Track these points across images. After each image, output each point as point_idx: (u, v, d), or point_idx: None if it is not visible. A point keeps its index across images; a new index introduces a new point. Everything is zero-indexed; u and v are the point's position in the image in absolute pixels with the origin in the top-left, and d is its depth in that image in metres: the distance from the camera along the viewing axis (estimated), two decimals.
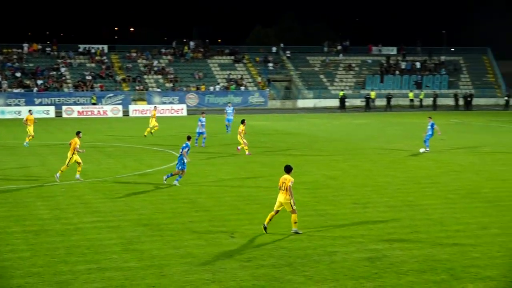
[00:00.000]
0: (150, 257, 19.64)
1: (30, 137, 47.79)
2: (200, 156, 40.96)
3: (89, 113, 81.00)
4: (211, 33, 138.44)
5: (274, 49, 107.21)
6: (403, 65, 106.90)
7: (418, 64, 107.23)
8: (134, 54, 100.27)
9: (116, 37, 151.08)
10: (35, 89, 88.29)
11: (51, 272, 18.24)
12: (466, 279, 17.73)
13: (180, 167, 31.02)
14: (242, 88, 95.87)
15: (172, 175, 31.41)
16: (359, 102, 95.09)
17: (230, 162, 39.03)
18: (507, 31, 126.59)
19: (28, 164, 38.31)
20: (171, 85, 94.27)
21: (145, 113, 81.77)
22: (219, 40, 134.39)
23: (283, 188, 22.15)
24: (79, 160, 32.39)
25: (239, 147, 42.30)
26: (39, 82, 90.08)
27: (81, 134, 32.85)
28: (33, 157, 41.54)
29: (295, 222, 22.18)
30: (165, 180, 31.27)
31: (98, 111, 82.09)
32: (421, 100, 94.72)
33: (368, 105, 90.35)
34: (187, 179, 32.78)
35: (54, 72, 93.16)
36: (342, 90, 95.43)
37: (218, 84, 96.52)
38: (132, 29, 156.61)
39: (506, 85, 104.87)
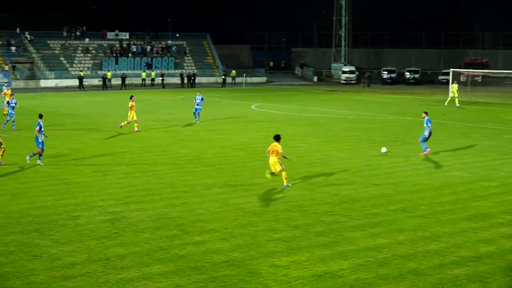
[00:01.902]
0: None
1: None
2: None
3: None
4: None
5: (18, 30, 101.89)
6: (134, 48, 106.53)
7: (148, 48, 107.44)
8: None
9: None
10: None
11: None
12: (194, 232, 18.23)
13: (39, 146, 28.57)
14: None
15: (34, 155, 28.78)
16: (97, 81, 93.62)
17: None
18: (221, 20, 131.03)
19: None
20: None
21: None
22: None
23: (271, 152, 23.44)
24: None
25: (122, 124, 40.17)
26: None
27: None
28: None
29: (286, 178, 23.95)
30: (28, 160, 28.59)
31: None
32: (152, 79, 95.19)
33: (105, 84, 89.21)
34: None
35: None
36: (81, 71, 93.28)
37: None
38: None
39: (222, 65, 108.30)
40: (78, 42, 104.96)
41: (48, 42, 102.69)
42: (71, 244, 17.09)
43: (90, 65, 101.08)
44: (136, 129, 40.05)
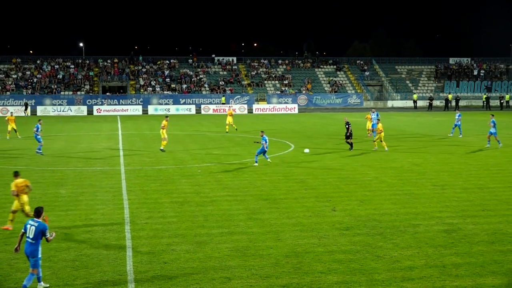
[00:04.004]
0: (269, 225, 19.79)
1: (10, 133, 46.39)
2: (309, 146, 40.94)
3: (222, 110, 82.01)
4: (317, 47, 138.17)
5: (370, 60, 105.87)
6: (475, 72, 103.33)
7: (486, 72, 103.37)
8: (256, 64, 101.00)
9: (242, 50, 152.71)
10: (179, 91, 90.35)
11: (192, 234, 18.65)
12: None
13: None
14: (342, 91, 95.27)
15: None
16: (438, 103, 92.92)
17: (333, 152, 38.72)
18: None
19: (174, 150, 39.21)
20: (286, 88, 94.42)
21: (266, 111, 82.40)
22: (324, 53, 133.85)
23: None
24: None
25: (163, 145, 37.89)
26: (184, 86, 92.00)
27: None
28: (178, 144, 42.46)
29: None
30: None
31: (229, 108, 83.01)
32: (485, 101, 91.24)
33: (447, 106, 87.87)
34: (299, 164, 32.79)
35: (195, 78, 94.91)
36: (414, 93, 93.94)
37: (323, 88, 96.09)
38: (255, 44, 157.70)
39: None
40: (422, 67, 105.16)
41: (396, 67, 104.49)
42: (410, 249, 17.10)
43: (433, 88, 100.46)
44: (162, 147, 38.01)
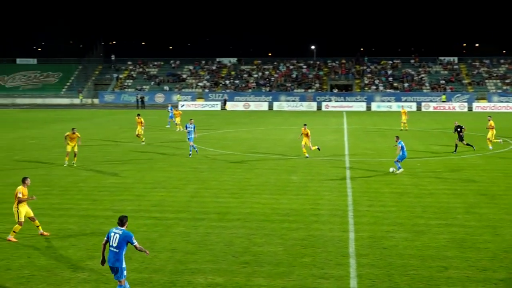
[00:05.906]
0: (487, 219, 18.74)
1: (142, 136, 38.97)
2: None
3: (441, 108, 79.02)
4: None
5: None
6: None
7: None
8: (477, 64, 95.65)
9: (464, 51, 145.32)
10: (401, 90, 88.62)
11: (411, 223, 18.29)
12: None
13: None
14: None
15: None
16: None
17: None
18: None
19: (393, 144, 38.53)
20: (508, 87, 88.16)
21: (486, 109, 77.73)
22: None
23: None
24: None
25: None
26: (405, 84, 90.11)
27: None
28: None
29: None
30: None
31: (449, 106, 79.75)
32: None
33: None
34: None
35: (416, 77, 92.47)
36: None
37: None
38: (477, 45, 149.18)
39: None
40: None
41: None
42: None
43: None
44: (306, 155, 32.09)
